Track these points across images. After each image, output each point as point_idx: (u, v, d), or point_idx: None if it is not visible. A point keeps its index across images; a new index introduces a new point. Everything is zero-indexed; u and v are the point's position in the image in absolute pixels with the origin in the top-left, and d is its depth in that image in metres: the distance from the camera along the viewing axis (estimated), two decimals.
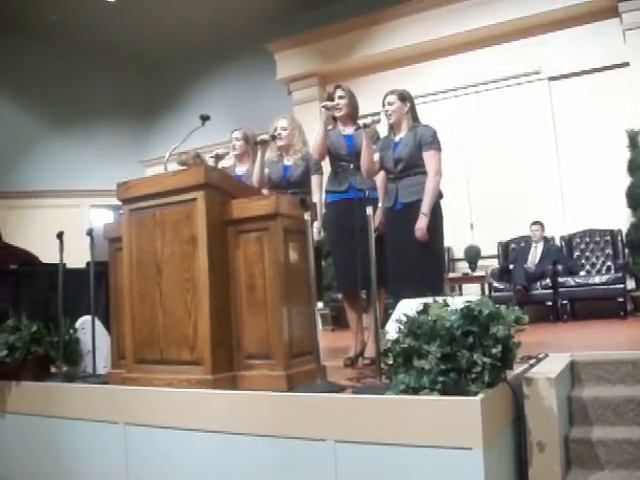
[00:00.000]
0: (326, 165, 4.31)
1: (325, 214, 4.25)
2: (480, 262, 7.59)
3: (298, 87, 9.25)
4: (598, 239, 7.20)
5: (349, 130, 4.17)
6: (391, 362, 2.54)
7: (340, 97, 4.16)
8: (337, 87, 4.24)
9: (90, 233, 4.01)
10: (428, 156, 3.78)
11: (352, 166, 4.05)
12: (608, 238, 7.14)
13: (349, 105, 4.15)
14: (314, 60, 9.03)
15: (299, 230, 3.07)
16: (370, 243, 2.89)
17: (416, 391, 2.41)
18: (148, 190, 3.27)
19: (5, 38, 9.81)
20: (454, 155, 7.32)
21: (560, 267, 6.85)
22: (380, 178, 4.05)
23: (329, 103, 4.03)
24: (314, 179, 4.30)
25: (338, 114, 4.17)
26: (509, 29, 7.74)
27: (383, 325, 2.87)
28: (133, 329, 3.30)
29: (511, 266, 7.13)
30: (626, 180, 6.96)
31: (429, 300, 2.60)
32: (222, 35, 10.01)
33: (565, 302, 6.70)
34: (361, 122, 3.82)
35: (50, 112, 10.44)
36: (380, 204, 3.98)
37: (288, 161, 4.36)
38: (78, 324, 4.17)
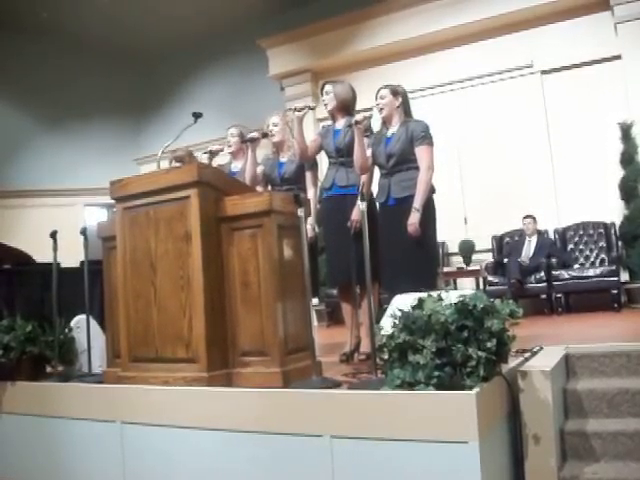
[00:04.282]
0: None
1: (319, 210, 4.27)
2: (474, 256, 7.59)
3: (291, 83, 9.23)
4: (592, 232, 7.19)
5: (339, 124, 4.16)
6: (386, 357, 2.54)
7: (326, 93, 4.17)
8: (324, 84, 4.25)
9: (84, 232, 4.00)
10: (420, 151, 3.78)
11: (337, 162, 4.06)
12: (602, 231, 7.13)
13: (334, 100, 4.13)
14: (306, 56, 9.00)
15: (293, 226, 3.06)
16: (364, 239, 2.89)
17: (411, 386, 2.41)
18: (142, 188, 3.27)
19: None
20: (447, 149, 7.33)
21: (554, 260, 6.85)
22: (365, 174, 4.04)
23: (298, 105, 4.03)
24: (308, 175, 4.30)
25: (327, 110, 4.20)
26: (501, 23, 7.72)
27: (378, 320, 2.88)
28: (128, 327, 3.30)
29: (505, 260, 7.12)
30: (619, 172, 6.97)
31: (423, 295, 2.61)
32: (214, 32, 9.98)
33: (559, 295, 6.70)
34: (352, 120, 3.82)
35: (43, 111, 10.39)
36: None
37: (283, 157, 4.37)
38: (73, 323, 4.16)
